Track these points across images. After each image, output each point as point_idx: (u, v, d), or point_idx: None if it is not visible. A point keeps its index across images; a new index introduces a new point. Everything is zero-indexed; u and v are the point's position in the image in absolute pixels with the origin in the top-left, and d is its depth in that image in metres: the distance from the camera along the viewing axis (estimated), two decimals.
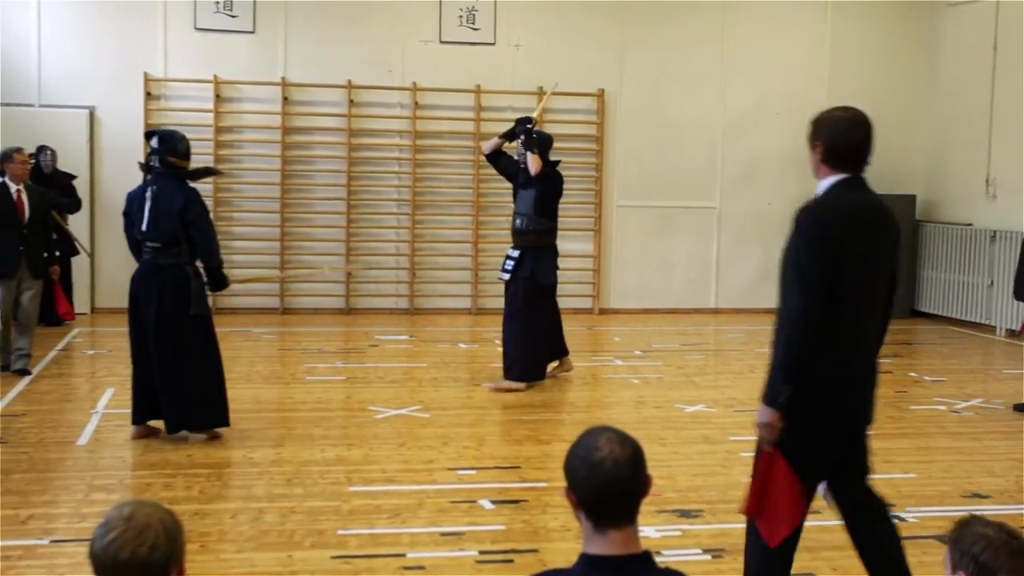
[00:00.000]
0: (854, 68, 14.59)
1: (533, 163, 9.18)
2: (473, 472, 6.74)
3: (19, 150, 9.72)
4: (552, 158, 9.53)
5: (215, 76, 13.17)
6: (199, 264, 7.40)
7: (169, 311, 7.12)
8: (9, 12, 12.83)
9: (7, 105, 12.80)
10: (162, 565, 2.35)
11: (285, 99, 13.40)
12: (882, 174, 14.65)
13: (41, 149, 11.98)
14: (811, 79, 14.54)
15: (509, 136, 9.68)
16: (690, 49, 14.24)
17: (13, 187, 9.52)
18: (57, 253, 10.56)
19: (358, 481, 6.50)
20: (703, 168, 14.43)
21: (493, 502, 6.12)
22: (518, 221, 9.37)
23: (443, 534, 5.57)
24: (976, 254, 13.40)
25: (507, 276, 9.38)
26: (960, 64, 14.08)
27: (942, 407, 8.82)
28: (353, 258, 13.75)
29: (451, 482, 6.52)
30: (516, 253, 9.32)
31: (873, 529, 4.31)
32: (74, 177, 12.26)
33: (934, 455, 7.39)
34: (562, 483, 2.56)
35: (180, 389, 7.19)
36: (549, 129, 13.90)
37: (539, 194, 9.19)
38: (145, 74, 13.09)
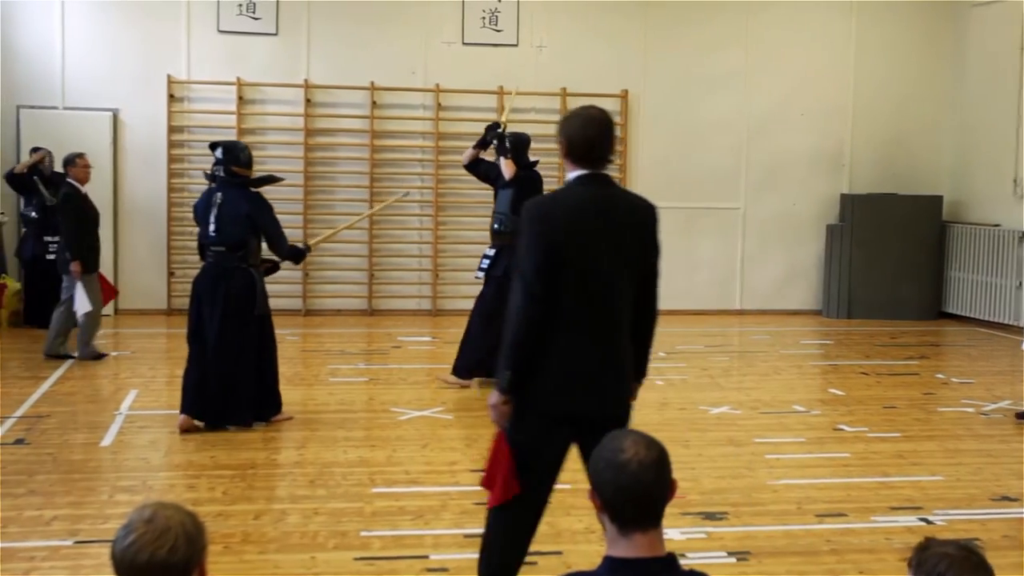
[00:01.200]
0: (879, 68, 14.50)
1: (506, 168, 9.31)
2: None
3: (81, 155, 10.39)
4: (532, 158, 9.59)
5: (238, 78, 13.21)
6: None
7: (235, 311, 7.51)
8: (33, 15, 12.90)
9: (31, 108, 12.88)
10: (182, 567, 2.33)
11: (308, 101, 13.42)
12: (908, 175, 14.60)
13: (36, 151, 11.95)
14: (836, 80, 14.46)
15: (482, 145, 9.74)
16: (714, 50, 14.18)
17: (82, 189, 10.32)
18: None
19: (381, 482, 6.49)
20: (727, 169, 14.37)
21: None
22: (496, 222, 9.47)
23: (466, 536, 5.54)
24: (1004, 255, 13.27)
25: (481, 274, 9.46)
26: (986, 64, 13.96)
27: (970, 409, 8.73)
28: (376, 259, 13.75)
29: (474, 484, 6.46)
30: (492, 252, 9.40)
31: None
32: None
33: (962, 457, 7.32)
34: (586, 485, 2.54)
35: (236, 386, 7.56)
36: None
37: (515, 194, 9.18)
38: (168, 76, 13.13)
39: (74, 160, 10.34)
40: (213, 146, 7.92)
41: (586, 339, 4.10)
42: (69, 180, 10.30)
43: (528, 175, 9.41)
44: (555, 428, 4.14)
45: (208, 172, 8.00)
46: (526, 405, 4.13)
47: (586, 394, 4.12)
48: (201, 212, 7.71)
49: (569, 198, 4.16)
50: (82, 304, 10.12)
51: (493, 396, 4.16)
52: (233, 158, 7.74)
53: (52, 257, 11.81)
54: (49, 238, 11.88)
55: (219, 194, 7.65)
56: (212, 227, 7.57)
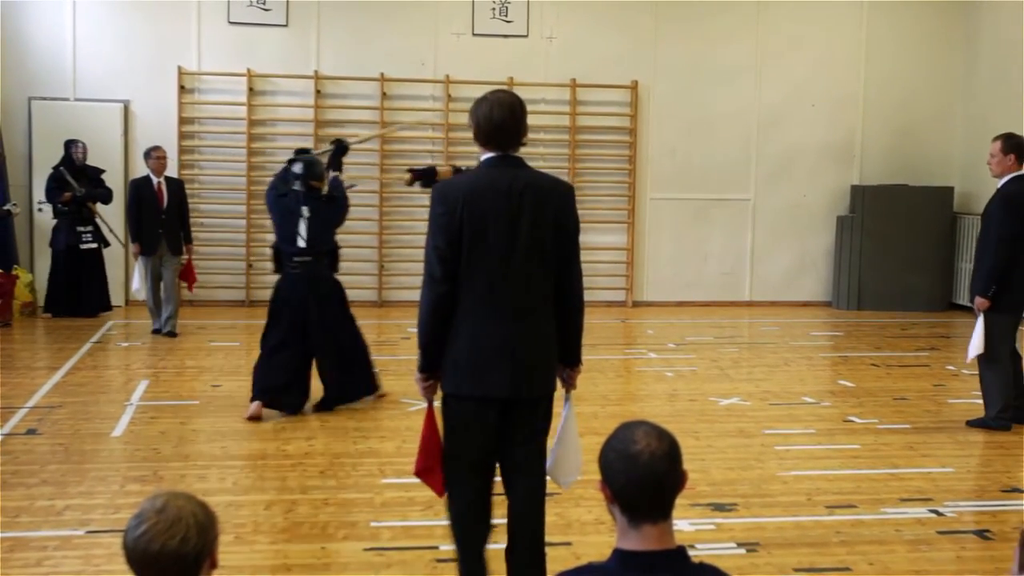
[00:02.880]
0: (889, 60, 14.46)
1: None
2: None
3: (157, 148, 11.43)
4: (460, 166, 9.26)
5: (248, 69, 13.21)
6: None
7: (334, 311, 8.21)
8: (45, 7, 12.92)
9: (43, 99, 12.91)
10: (193, 557, 2.34)
11: (318, 92, 13.43)
12: (919, 166, 14.56)
13: (73, 142, 12.10)
14: (846, 71, 14.42)
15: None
16: (724, 41, 14.15)
17: (154, 179, 11.29)
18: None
19: (391, 473, 6.50)
20: (737, 160, 14.34)
21: None
22: None
23: None
24: None
25: None
26: (996, 57, 13.90)
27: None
28: (385, 251, 13.77)
29: None
30: None
31: (520, 489, 4.35)
32: (103, 171, 12.34)
33: (972, 449, 7.31)
34: (595, 476, 2.54)
35: (345, 370, 8.25)
36: (583, 121, 13.92)
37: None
38: (179, 68, 13.15)
39: (149, 153, 11.37)
40: (292, 161, 8.27)
41: (494, 321, 4.13)
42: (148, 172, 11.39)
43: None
44: (478, 409, 4.20)
45: (285, 184, 8.27)
46: (448, 389, 4.22)
47: (497, 376, 4.14)
48: (286, 224, 8.11)
49: (475, 180, 4.22)
50: (136, 282, 11.22)
51: (416, 377, 4.31)
52: (313, 174, 8.16)
53: (86, 247, 12.00)
54: (82, 228, 12.04)
55: (305, 208, 8.05)
56: (303, 238, 8.02)
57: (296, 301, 8.03)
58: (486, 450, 4.26)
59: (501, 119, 4.19)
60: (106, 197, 12.19)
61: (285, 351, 8.00)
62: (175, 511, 2.35)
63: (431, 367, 4.23)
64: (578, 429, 4.48)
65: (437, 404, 4.33)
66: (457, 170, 8.90)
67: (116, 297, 12.97)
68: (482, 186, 4.15)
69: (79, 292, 12.15)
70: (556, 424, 4.40)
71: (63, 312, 12.09)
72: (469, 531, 4.32)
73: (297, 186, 8.12)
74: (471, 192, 4.12)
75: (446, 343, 4.16)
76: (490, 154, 4.23)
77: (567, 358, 4.37)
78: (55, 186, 12.00)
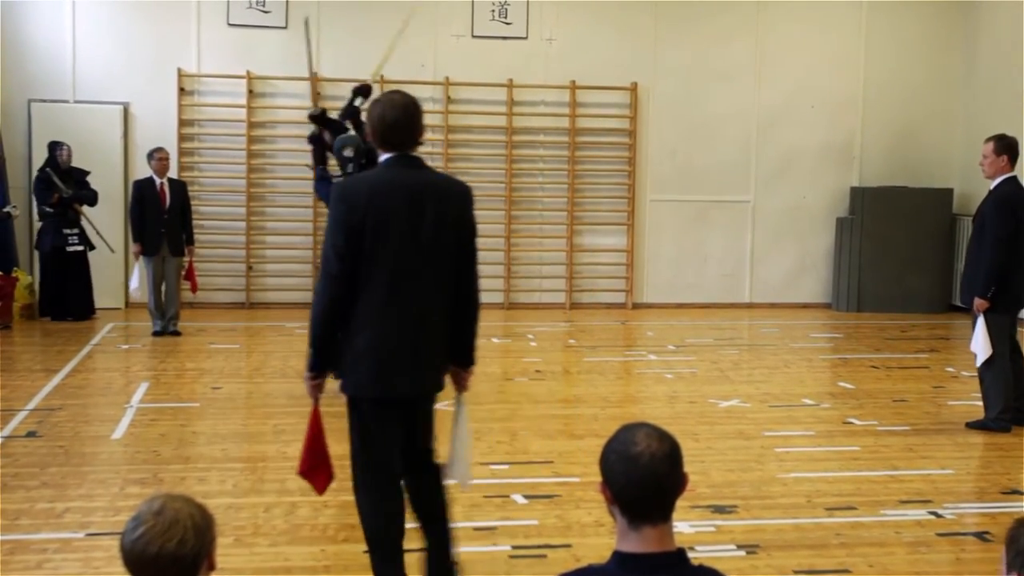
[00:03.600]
0: (889, 62, 14.47)
1: None
2: (506, 467, 6.72)
3: (160, 149, 11.57)
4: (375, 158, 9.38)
5: (248, 72, 13.22)
6: None
7: None
8: (44, 9, 12.93)
9: (42, 101, 12.92)
10: (191, 559, 2.34)
11: (317, 94, 13.41)
12: (919, 168, 14.57)
13: (57, 144, 12.10)
14: (846, 72, 14.43)
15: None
16: (724, 43, 14.16)
17: (157, 180, 11.43)
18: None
19: None
20: (737, 162, 14.35)
21: (526, 497, 6.10)
22: None
23: (476, 529, 5.55)
24: None
25: None
26: (996, 58, 13.91)
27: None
28: None
29: (484, 477, 6.49)
30: None
31: (423, 486, 4.51)
32: (88, 172, 12.32)
33: (972, 451, 7.31)
34: (596, 478, 2.54)
35: None
36: (582, 123, 13.92)
37: None
38: (179, 70, 13.16)
39: (152, 154, 11.50)
40: (340, 149, 8.13)
41: (397, 321, 4.17)
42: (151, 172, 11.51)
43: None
44: (386, 409, 4.27)
45: (325, 174, 8.36)
46: (352, 391, 4.26)
47: (402, 375, 4.21)
48: None
49: (375, 180, 4.26)
50: (134, 282, 11.31)
51: (305, 378, 4.33)
52: (363, 153, 7.99)
53: (72, 249, 11.99)
54: (68, 230, 12.03)
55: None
56: None
57: None
58: (397, 447, 4.34)
59: (395, 119, 4.22)
60: (92, 199, 12.19)
61: None
62: (172, 513, 2.34)
63: (324, 367, 4.26)
64: (470, 432, 4.64)
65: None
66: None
67: (115, 299, 12.98)
68: (384, 185, 4.19)
69: (65, 295, 12.14)
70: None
71: (50, 315, 12.07)
72: (390, 528, 4.38)
73: (351, 169, 7.90)
74: (374, 191, 4.17)
75: (344, 342, 4.19)
76: (389, 155, 4.26)
77: (461, 359, 4.46)
78: (42, 187, 11.99)
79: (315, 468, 4.42)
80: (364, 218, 4.09)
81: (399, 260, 4.13)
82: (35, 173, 12.37)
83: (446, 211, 4.22)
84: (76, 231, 12.15)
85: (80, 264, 12.22)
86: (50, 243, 12.06)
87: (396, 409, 4.28)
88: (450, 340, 4.37)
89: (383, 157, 4.28)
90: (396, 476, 4.38)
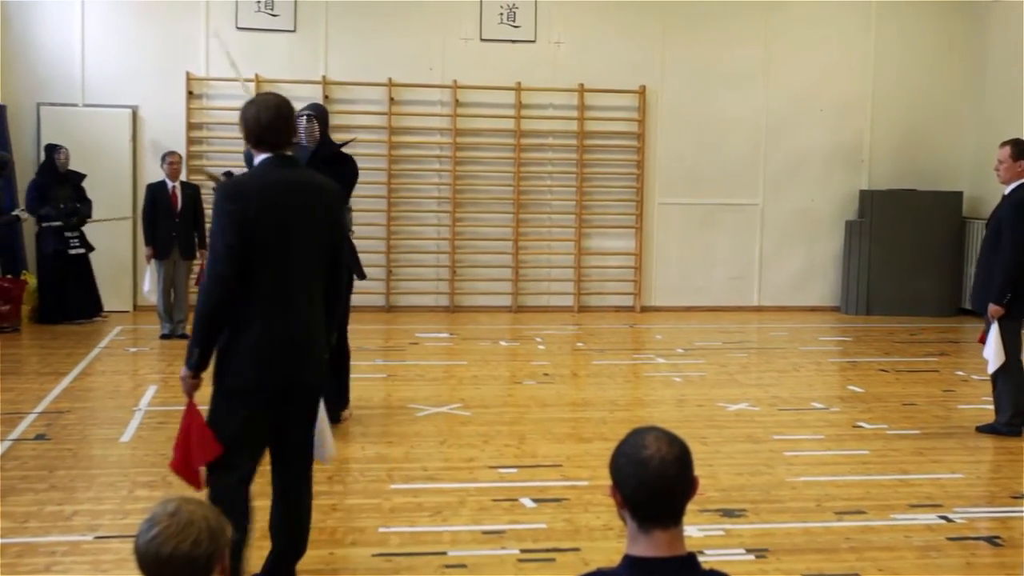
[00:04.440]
0: (898, 63, 14.44)
1: None
2: (514, 470, 6.71)
3: (172, 152, 11.72)
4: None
5: (256, 75, 13.23)
6: None
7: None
8: (53, 13, 12.96)
9: (52, 105, 12.95)
10: (204, 561, 2.35)
11: (326, 97, 13.44)
12: (928, 171, 14.53)
13: (55, 147, 12.11)
14: (855, 75, 14.41)
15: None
16: (732, 45, 14.14)
17: (170, 184, 11.59)
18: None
19: (399, 479, 6.49)
20: (745, 165, 14.33)
21: (534, 500, 6.08)
22: None
23: (484, 532, 5.54)
24: None
25: None
26: (1006, 60, 13.88)
27: (990, 406, 8.66)
28: (393, 256, 13.77)
29: (492, 480, 6.49)
30: None
31: (294, 467, 4.56)
32: (84, 176, 12.30)
33: (982, 455, 7.28)
34: (604, 481, 2.53)
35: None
36: (591, 126, 13.91)
37: None
38: (187, 73, 13.18)
39: (164, 157, 11.64)
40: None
41: (285, 315, 4.26)
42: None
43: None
44: (263, 399, 4.29)
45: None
46: (234, 384, 4.27)
47: (289, 366, 4.29)
48: None
49: (260, 179, 4.35)
50: (147, 284, 11.47)
51: (182, 371, 4.35)
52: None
53: (74, 252, 12.01)
54: (69, 233, 12.03)
55: None
56: None
57: None
58: (259, 441, 4.39)
59: (268, 120, 4.34)
60: (88, 212, 12.22)
61: None
62: (187, 515, 2.35)
63: (202, 365, 4.31)
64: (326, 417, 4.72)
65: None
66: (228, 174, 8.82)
67: (123, 302, 13.00)
68: (271, 184, 4.30)
69: (67, 298, 12.14)
70: None
71: (52, 318, 12.07)
72: (244, 514, 4.36)
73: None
74: (262, 190, 4.27)
75: (231, 338, 4.23)
76: (265, 155, 4.36)
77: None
78: (36, 195, 11.97)
79: (189, 464, 4.40)
80: (256, 217, 4.18)
81: (289, 257, 4.26)
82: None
83: (323, 208, 4.39)
84: (76, 234, 12.15)
85: (82, 267, 12.23)
86: (51, 247, 12.05)
87: (275, 398, 4.33)
88: None
89: (259, 157, 4.37)
90: (256, 463, 4.41)
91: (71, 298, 12.17)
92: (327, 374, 4.56)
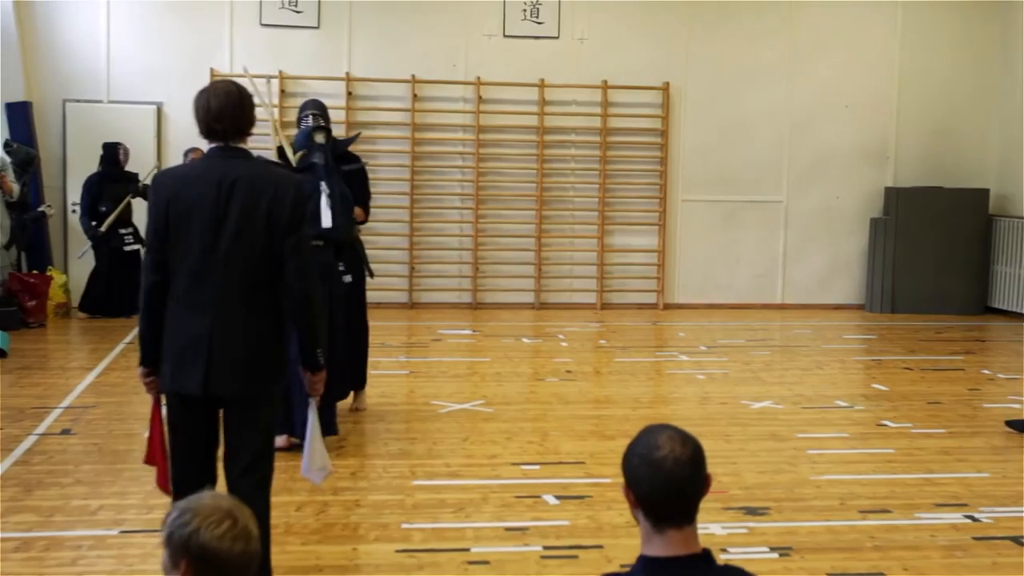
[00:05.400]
0: (924, 60, 14.34)
1: None
2: (537, 467, 6.71)
3: (195, 149, 11.44)
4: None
5: (280, 71, 13.27)
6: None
7: (335, 300, 7.24)
8: (78, 10, 13.03)
9: (77, 101, 13.03)
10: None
11: (349, 94, 13.47)
12: (954, 168, 14.43)
13: (117, 145, 12.33)
14: (880, 72, 14.32)
15: None
16: (757, 42, 14.08)
17: None
18: None
19: (422, 475, 6.50)
20: (770, 162, 14.27)
21: (557, 497, 6.08)
22: None
23: (507, 529, 5.55)
24: None
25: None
26: None
27: (1016, 405, 8.62)
28: (416, 252, 13.79)
29: (515, 477, 6.49)
30: None
31: (240, 490, 4.25)
32: (137, 176, 12.45)
33: (1008, 454, 7.23)
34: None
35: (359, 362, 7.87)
36: (614, 123, 13.88)
37: None
38: (211, 70, 13.22)
39: (187, 153, 11.69)
40: (314, 131, 7.47)
41: (193, 315, 4.09)
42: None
43: None
44: (183, 405, 4.18)
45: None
46: (161, 385, 4.24)
47: (192, 371, 4.08)
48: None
49: (189, 171, 4.29)
50: None
51: (138, 371, 4.32)
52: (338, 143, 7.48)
53: (129, 248, 12.15)
54: (123, 230, 12.19)
55: (324, 183, 7.17)
56: (327, 219, 7.09)
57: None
58: (197, 446, 4.23)
59: (218, 109, 4.14)
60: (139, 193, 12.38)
61: None
62: (243, 517, 2.38)
63: (147, 361, 4.24)
64: (319, 434, 4.48)
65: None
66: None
67: None
68: (193, 177, 4.17)
69: (112, 293, 12.25)
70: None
71: (99, 312, 12.18)
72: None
73: (318, 159, 7.30)
74: (180, 182, 4.15)
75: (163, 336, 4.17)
76: (215, 144, 4.20)
77: (303, 361, 4.29)
78: (89, 196, 12.09)
79: (155, 464, 4.39)
80: (168, 209, 4.08)
81: (200, 252, 4.05)
82: (76, 173, 12.57)
83: (256, 204, 4.05)
84: (131, 230, 12.31)
85: (133, 263, 12.32)
86: (107, 244, 12.19)
87: (195, 406, 4.16)
88: (276, 338, 4.22)
89: (208, 147, 4.23)
90: (200, 474, 4.19)
91: (116, 294, 12.23)
92: (266, 384, 4.20)
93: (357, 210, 7.65)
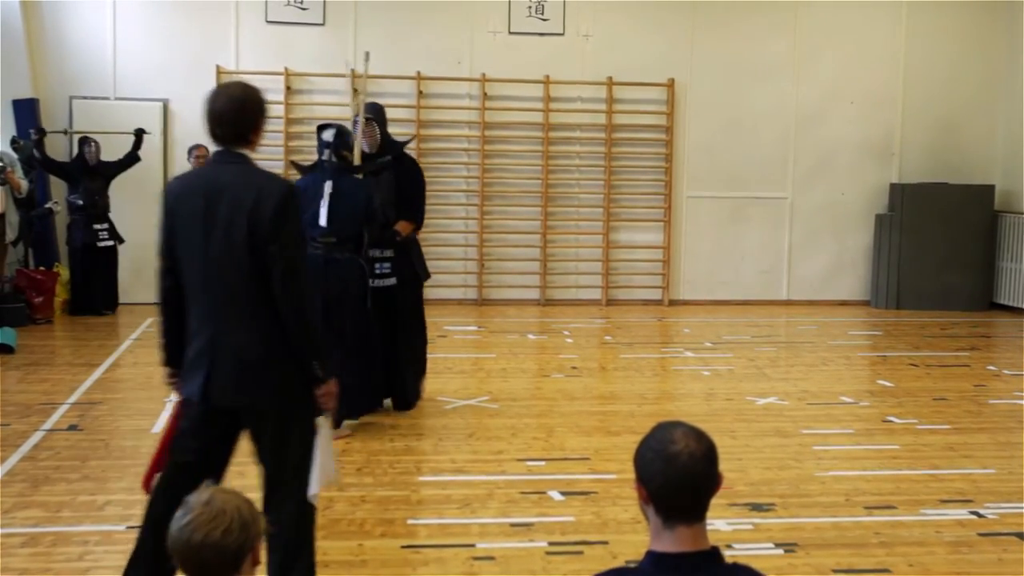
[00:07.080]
0: (929, 56, 14.32)
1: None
2: (542, 463, 6.72)
3: (199, 146, 11.75)
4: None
5: (286, 68, 13.29)
6: None
7: (352, 301, 7.09)
8: (85, 7, 13.05)
9: (83, 98, 13.05)
10: (234, 551, 2.37)
11: (355, 91, 13.45)
12: (959, 164, 14.41)
13: (85, 141, 12.28)
14: (885, 68, 14.30)
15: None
16: (762, 38, 14.07)
17: None
18: None
19: (428, 471, 6.52)
20: (775, 158, 14.26)
21: (563, 493, 6.09)
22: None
23: (513, 525, 5.56)
24: None
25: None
26: None
27: (1022, 401, 8.62)
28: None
29: (520, 473, 6.51)
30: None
31: (270, 502, 4.24)
32: (115, 165, 12.44)
33: (1014, 450, 7.22)
34: (633, 475, 2.53)
35: (370, 375, 7.38)
36: (619, 119, 13.88)
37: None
38: (217, 67, 13.23)
39: (191, 151, 11.93)
40: (322, 128, 7.40)
41: (199, 322, 4.05)
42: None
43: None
44: (191, 412, 4.11)
45: (314, 160, 7.66)
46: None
47: (197, 379, 4.03)
48: (307, 201, 6.96)
49: (191, 178, 4.25)
50: None
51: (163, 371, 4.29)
52: (344, 142, 7.28)
53: (103, 244, 12.12)
54: (98, 225, 12.15)
55: (331, 182, 7.07)
56: (324, 216, 6.99)
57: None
58: (198, 454, 4.12)
59: (220, 110, 4.05)
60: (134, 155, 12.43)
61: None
62: (220, 504, 2.38)
63: (168, 362, 4.22)
64: (329, 448, 4.28)
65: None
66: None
67: (152, 294, 13.05)
68: (189, 186, 4.11)
69: (93, 290, 12.24)
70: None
71: (80, 310, 12.18)
72: (143, 535, 4.19)
73: (327, 156, 7.18)
74: (182, 189, 4.10)
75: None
76: (216, 149, 4.13)
77: (307, 372, 4.06)
78: (65, 176, 12.21)
79: (155, 462, 4.33)
80: (169, 214, 4.06)
81: (199, 260, 3.98)
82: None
83: (240, 211, 3.91)
84: (106, 226, 12.27)
85: (109, 259, 12.34)
86: (80, 239, 12.17)
87: (203, 414, 4.07)
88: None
89: (213, 152, 4.17)
90: (191, 482, 4.07)
91: (96, 291, 12.25)
92: (278, 397, 4.05)
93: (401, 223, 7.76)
